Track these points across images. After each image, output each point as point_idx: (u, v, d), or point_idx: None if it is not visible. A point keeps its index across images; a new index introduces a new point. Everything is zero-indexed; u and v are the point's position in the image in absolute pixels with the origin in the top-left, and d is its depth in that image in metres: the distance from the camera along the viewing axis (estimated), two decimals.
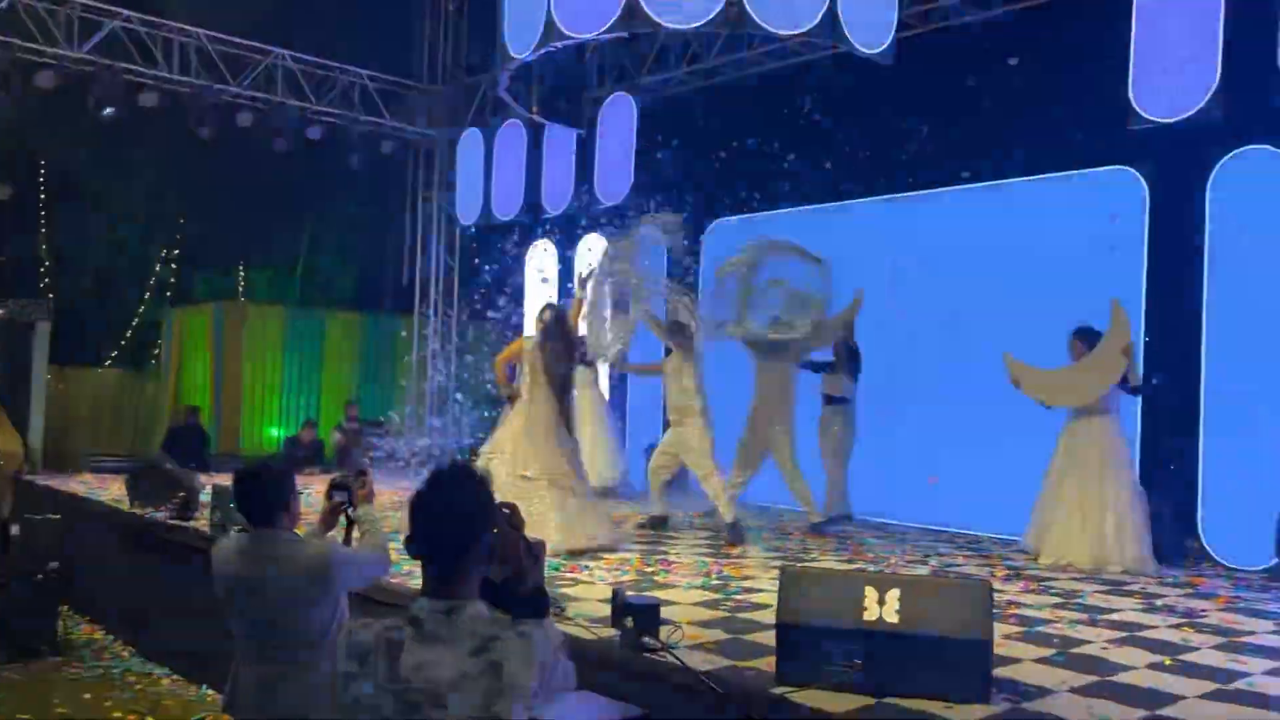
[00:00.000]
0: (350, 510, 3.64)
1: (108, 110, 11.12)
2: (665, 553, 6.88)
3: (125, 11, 11.33)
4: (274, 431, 14.74)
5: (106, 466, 10.78)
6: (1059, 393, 6.96)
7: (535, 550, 2.26)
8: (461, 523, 2.09)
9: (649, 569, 6.22)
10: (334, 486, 3.63)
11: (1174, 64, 7.21)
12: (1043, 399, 7.01)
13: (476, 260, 13.18)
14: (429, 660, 1.99)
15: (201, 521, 7.26)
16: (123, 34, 11.32)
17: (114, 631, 7.74)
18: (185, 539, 7.08)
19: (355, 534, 3.64)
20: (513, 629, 2.03)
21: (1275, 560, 6.75)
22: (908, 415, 9.13)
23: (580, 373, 8.46)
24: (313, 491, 5.45)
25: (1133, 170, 7.92)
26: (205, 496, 7.48)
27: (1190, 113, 7.11)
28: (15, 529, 7.66)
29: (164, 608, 7.15)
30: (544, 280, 12.51)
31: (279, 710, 3.20)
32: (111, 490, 9.08)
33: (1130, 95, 7.39)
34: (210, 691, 6.41)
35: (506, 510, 2.22)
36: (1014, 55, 8.16)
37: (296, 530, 3.43)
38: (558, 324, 6.82)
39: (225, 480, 7.95)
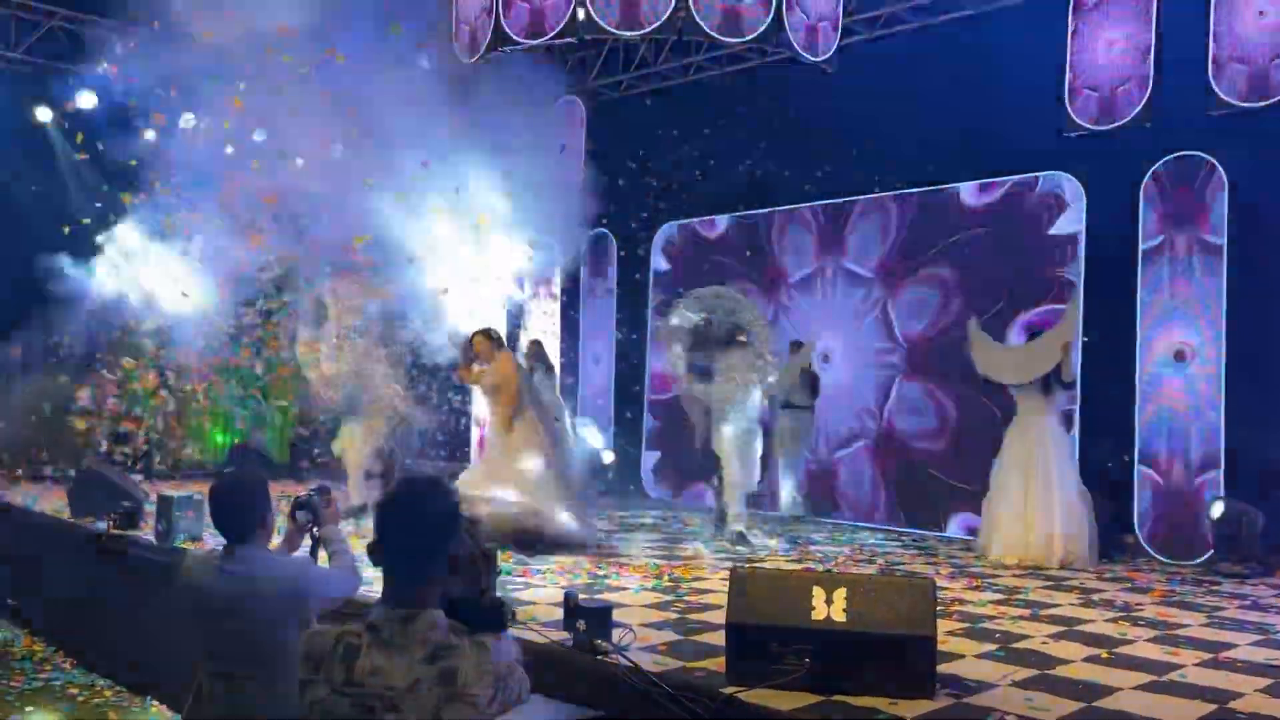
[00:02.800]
0: (315, 529, 3.60)
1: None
2: (617, 556, 6.92)
3: (62, 11, 11.09)
4: (220, 438, 14.50)
5: (48, 475, 10.53)
6: (996, 366, 7.35)
7: (492, 563, 2.29)
8: (429, 532, 2.11)
9: (601, 572, 6.26)
10: (298, 505, 3.58)
11: (1108, 74, 7.42)
12: (981, 367, 7.41)
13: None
14: (384, 666, 2.01)
15: (146, 531, 7.15)
16: (60, 33, 11.09)
17: (56, 643, 7.59)
18: (129, 549, 6.97)
19: (322, 553, 3.60)
20: (468, 638, 2.06)
21: (1212, 553, 6.96)
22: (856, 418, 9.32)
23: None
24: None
25: (1069, 175, 8.12)
26: (150, 505, 7.37)
27: (1123, 121, 7.31)
28: None
29: (107, 619, 7.02)
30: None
31: None
32: (53, 500, 8.90)
33: (1066, 103, 7.58)
34: (155, 703, 6.32)
35: (467, 524, 2.24)
36: (955, 63, 8.33)
37: (269, 545, 3.40)
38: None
39: (170, 489, 7.88)
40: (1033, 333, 7.62)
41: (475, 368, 7.50)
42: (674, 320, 7.90)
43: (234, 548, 3.27)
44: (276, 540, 3.56)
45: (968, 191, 8.76)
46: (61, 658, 7.33)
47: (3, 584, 7.30)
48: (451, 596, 2.20)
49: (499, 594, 5.04)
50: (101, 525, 7.45)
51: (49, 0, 11.00)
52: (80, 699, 6.47)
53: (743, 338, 7.65)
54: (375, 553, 2.14)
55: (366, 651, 2.03)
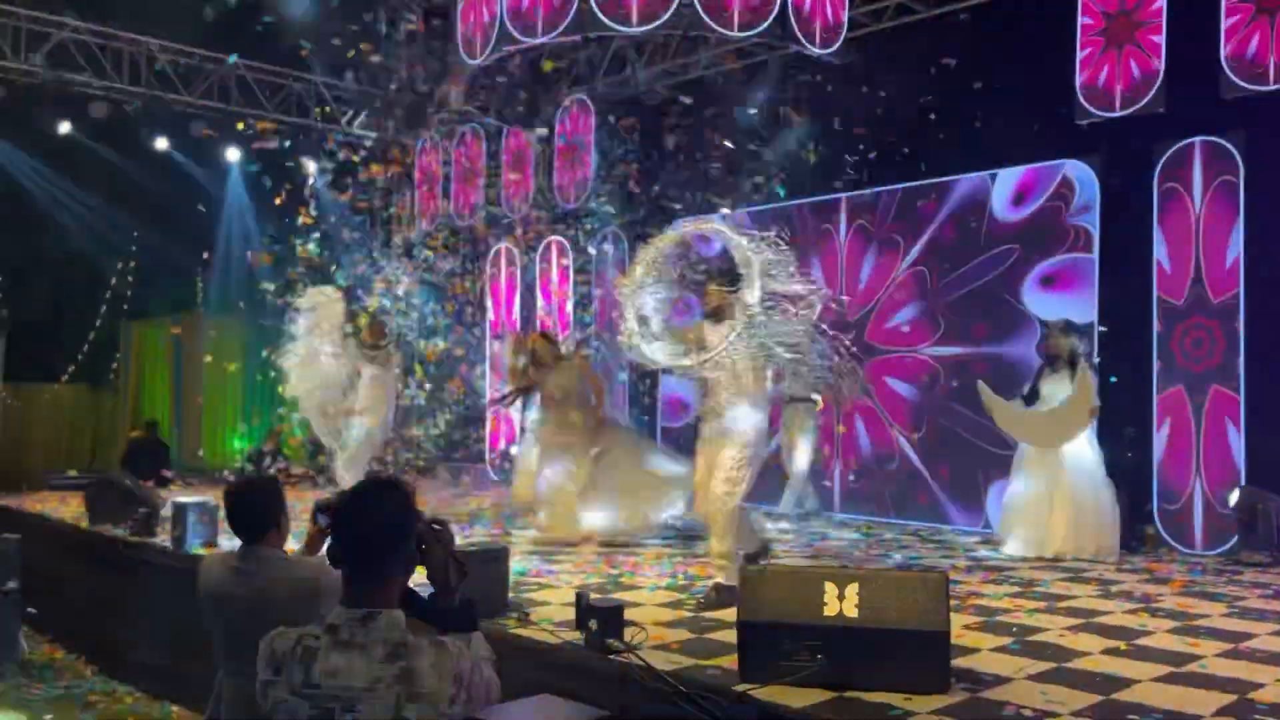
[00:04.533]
0: None
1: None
2: (631, 555, 6.91)
3: (73, 22, 11.17)
4: (237, 444, 14.60)
5: (65, 483, 10.62)
6: (1023, 429, 7.12)
7: (462, 567, 2.29)
8: (379, 532, 2.14)
9: (615, 571, 6.25)
10: (319, 509, 3.62)
11: (1119, 60, 7.35)
12: (1013, 434, 7.22)
13: (438, 265, 13.13)
14: (342, 666, 2.04)
15: (163, 537, 7.18)
16: (71, 45, 11.18)
17: (76, 650, 7.65)
18: (146, 556, 7.00)
19: None
20: (427, 638, 2.07)
21: (1236, 540, 6.88)
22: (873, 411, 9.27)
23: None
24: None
25: (1084, 163, 8.04)
26: (166, 512, 7.40)
27: (1136, 107, 7.23)
28: None
29: (126, 625, 7.07)
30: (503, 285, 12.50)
31: None
32: (71, 507, 8.96)
33: (1078, 91, 7.51)
34: (175, 708, 6.36)
35: (437, 527, 2.24)
36: (965, 53, 8.27)
37: (285, 548, 3.43)
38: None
39: (185, 496, 7.92)
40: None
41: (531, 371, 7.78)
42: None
43: (249, 548, 3.31)
44: (295, 543, 3.58)
45: (1000, 206, 8.61)
46: (82, 664, 7.39)
47: (23, 592, 7.34)
48: (423, 598, 2.21)
49: (513, 595, 5.07)
50: (118, 532, 7.50)
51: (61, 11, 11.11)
52: (101, 706, 6.51)
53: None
54: (334, 555, 2.16)
55: (325, 653, 2.06)
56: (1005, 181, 8.48)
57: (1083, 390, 6.76)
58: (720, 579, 5.27)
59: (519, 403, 8.50)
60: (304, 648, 2.08)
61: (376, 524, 2.15)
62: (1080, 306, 7.80)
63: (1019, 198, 8.37)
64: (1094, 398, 6.77)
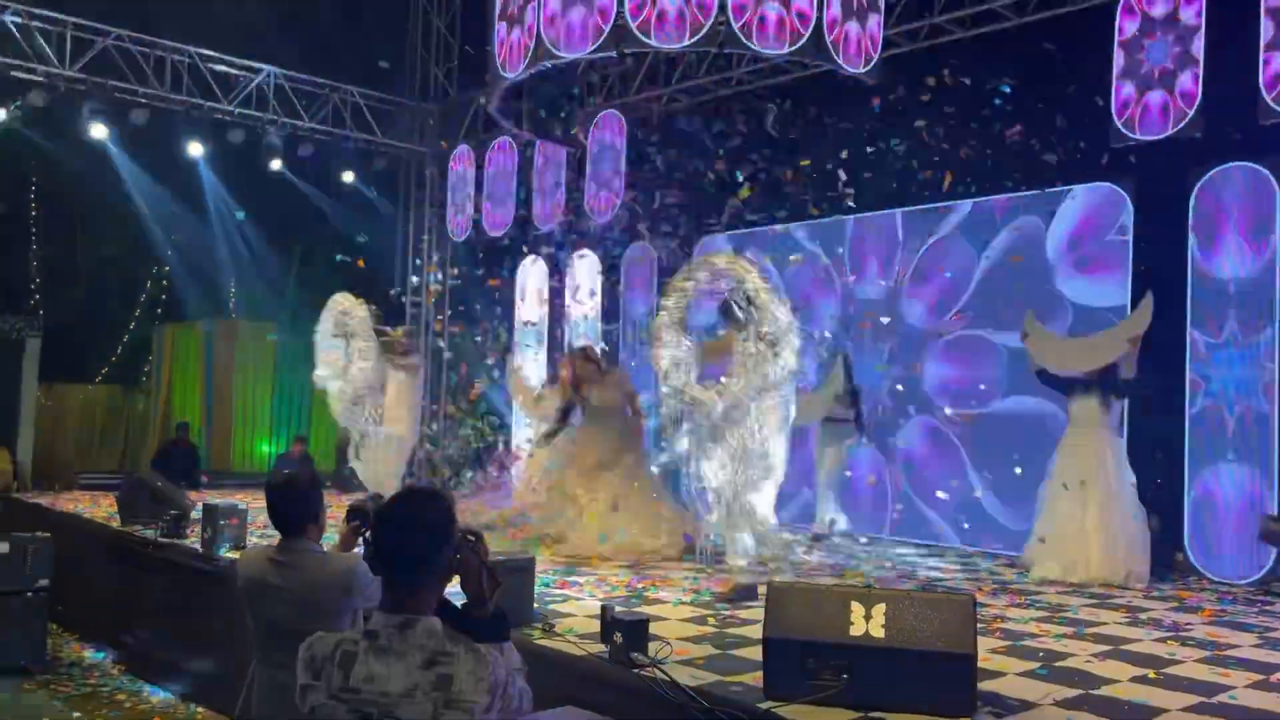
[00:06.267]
0: (368, 534, 3.67)
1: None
2: (655, 570, 6.91)
3: (116, 30, 11.36)
4: (265, 448, 14.72)
5: (97, 483, 10.75)
6: (1056, 355, 7.13)
7: (495, 577, 2.31)
8: (417, 539, 2.17)
9: (639, 585, 6.25)
10: (353, 511, 3.68)
11: (1156, 84, 7.30)
12: (1039, 358, 7.23)
13: (468, 277, 13.22)
14: (380, 672, 2.06)
15: (192, 539, 7.25)
16: (114, 52, 11.37)
17: (104, 649, 7.73)
18: (176, 556, 7.07)
19: None
20: (464, 645, 2.09)
21: (1267, 570, 6.78)
22: (903, 431, 9.24)
23: None
24: None
25: (1117, 187, 8.00)
26: (196, 514, 7.48)
27: (1172, 131, 7.18)
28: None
29: (154, 625, 7.14)
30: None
31: (292, 714, 3.25)
32: (102, 507, 9.07)
33: (1113, 114, 7.48)
34: (200, 709, 6.41)
35: (472, 538, 2.27)
36: (1000, 74, 8.25)
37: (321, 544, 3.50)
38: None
39: (215, 498, 8.00)
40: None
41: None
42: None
43: (288, 540, 3.38)
44: (328, 544, 3.64)
45: (1013, 203, 8.60)
46: (110, 664, 7.47)
47: (53, 591, 7.43)
48: (456, 607, 2.23)
49: (535, 606, 5.08)
50: (149, 533, 7.58)
51: (107, 19, 11.30)
52: (128, 705, 6.58)
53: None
54: (374, 561, 2.18)
55: (363, 658, 2.09)
56: (1060, 223, 8.40)
57: (1137, 315, 6.79)
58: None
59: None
60: (343, 652, 2.11)
61: (418, 532, 2.17)
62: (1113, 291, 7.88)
63: (1074, 244, 8.32)
64: (1141, 324, 6.76)
